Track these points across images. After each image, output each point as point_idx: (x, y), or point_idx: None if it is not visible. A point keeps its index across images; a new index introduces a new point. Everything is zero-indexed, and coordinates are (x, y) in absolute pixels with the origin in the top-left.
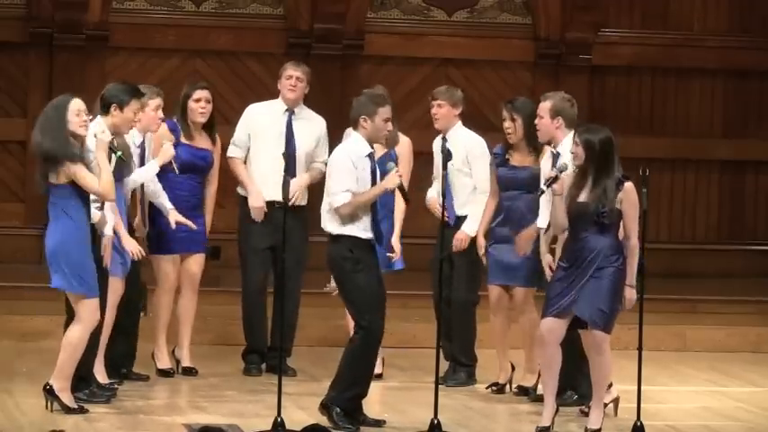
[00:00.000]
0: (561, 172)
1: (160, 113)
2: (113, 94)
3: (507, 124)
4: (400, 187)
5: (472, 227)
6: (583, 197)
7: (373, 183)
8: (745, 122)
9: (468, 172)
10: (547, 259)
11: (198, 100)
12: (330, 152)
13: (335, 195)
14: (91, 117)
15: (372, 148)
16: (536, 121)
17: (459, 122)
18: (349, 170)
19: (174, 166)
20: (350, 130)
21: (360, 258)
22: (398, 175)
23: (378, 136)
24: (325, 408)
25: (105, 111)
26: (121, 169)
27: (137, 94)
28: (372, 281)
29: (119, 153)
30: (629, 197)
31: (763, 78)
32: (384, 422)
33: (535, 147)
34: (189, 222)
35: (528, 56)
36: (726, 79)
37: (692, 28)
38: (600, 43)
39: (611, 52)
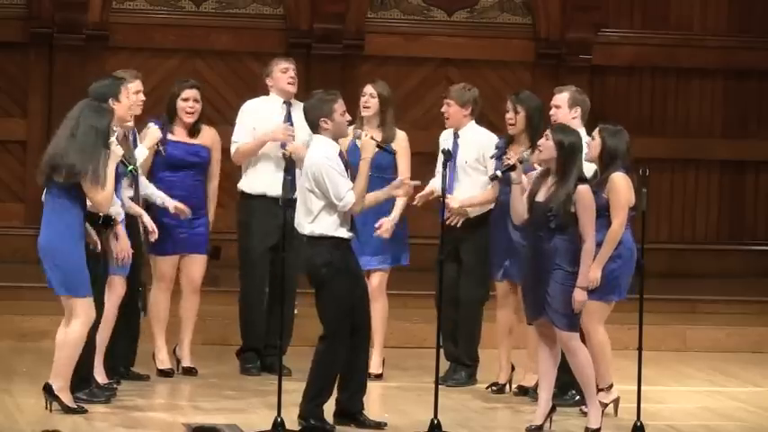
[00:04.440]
0: (521, 162)
1: (141, 96)
2: (104, 91)
3: (510, 115)
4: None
5: (464, 197)
6: (540, 197)
7: (350, 177)
8: (744, 123)
9: (483, 170)
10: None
11: (186, 99)
12: None
13: (344, 199)
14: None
15: (338, 144)
16: (551, 112)
17: (472, 121)
18: (338, 171)
19: (162, 149)
20: (314, 136)
21: (340, 263)
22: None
23: (341, 130)
24: (303, 419)
25: None
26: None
27: (122, 80)
28: (350, 286)
29: (130, 167)
30: (581, 200)
31: (763, 78)
32: (385, 424)
33: (533, 142)
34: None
35: (528, 56)
36: (726, 79)
37: (692, 28)
38: (600, 43)
39: (612, 52)
